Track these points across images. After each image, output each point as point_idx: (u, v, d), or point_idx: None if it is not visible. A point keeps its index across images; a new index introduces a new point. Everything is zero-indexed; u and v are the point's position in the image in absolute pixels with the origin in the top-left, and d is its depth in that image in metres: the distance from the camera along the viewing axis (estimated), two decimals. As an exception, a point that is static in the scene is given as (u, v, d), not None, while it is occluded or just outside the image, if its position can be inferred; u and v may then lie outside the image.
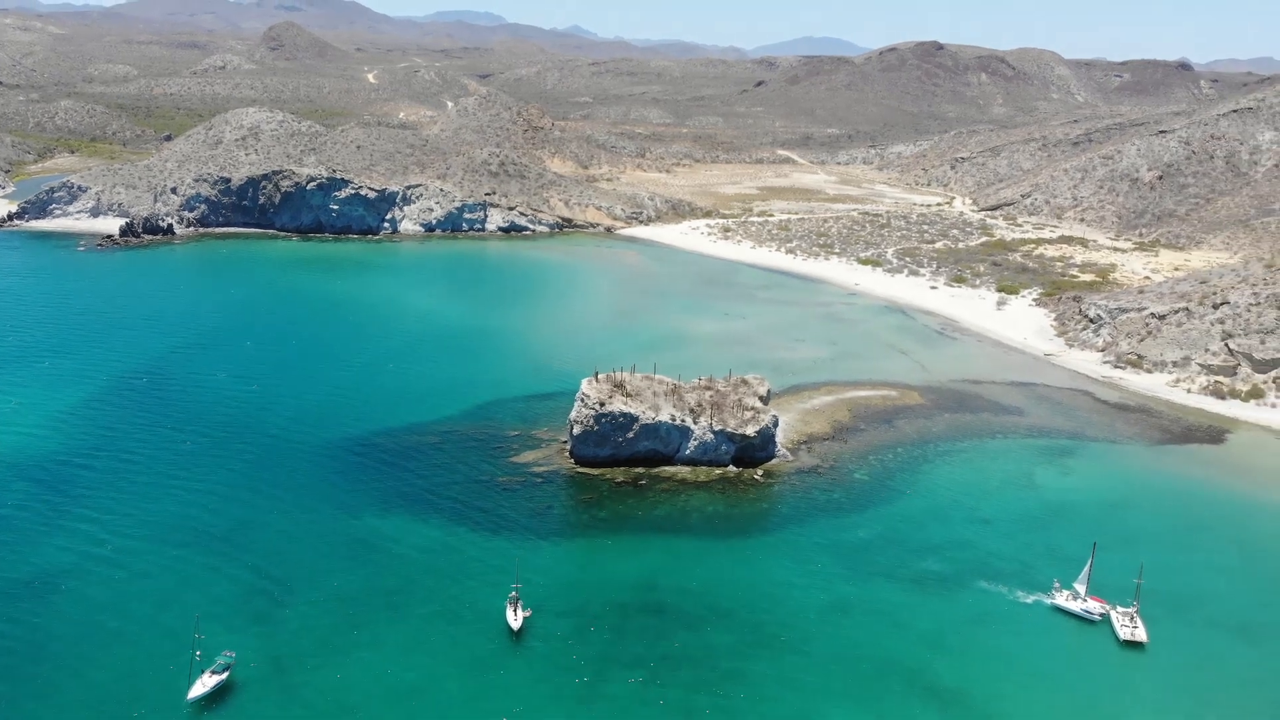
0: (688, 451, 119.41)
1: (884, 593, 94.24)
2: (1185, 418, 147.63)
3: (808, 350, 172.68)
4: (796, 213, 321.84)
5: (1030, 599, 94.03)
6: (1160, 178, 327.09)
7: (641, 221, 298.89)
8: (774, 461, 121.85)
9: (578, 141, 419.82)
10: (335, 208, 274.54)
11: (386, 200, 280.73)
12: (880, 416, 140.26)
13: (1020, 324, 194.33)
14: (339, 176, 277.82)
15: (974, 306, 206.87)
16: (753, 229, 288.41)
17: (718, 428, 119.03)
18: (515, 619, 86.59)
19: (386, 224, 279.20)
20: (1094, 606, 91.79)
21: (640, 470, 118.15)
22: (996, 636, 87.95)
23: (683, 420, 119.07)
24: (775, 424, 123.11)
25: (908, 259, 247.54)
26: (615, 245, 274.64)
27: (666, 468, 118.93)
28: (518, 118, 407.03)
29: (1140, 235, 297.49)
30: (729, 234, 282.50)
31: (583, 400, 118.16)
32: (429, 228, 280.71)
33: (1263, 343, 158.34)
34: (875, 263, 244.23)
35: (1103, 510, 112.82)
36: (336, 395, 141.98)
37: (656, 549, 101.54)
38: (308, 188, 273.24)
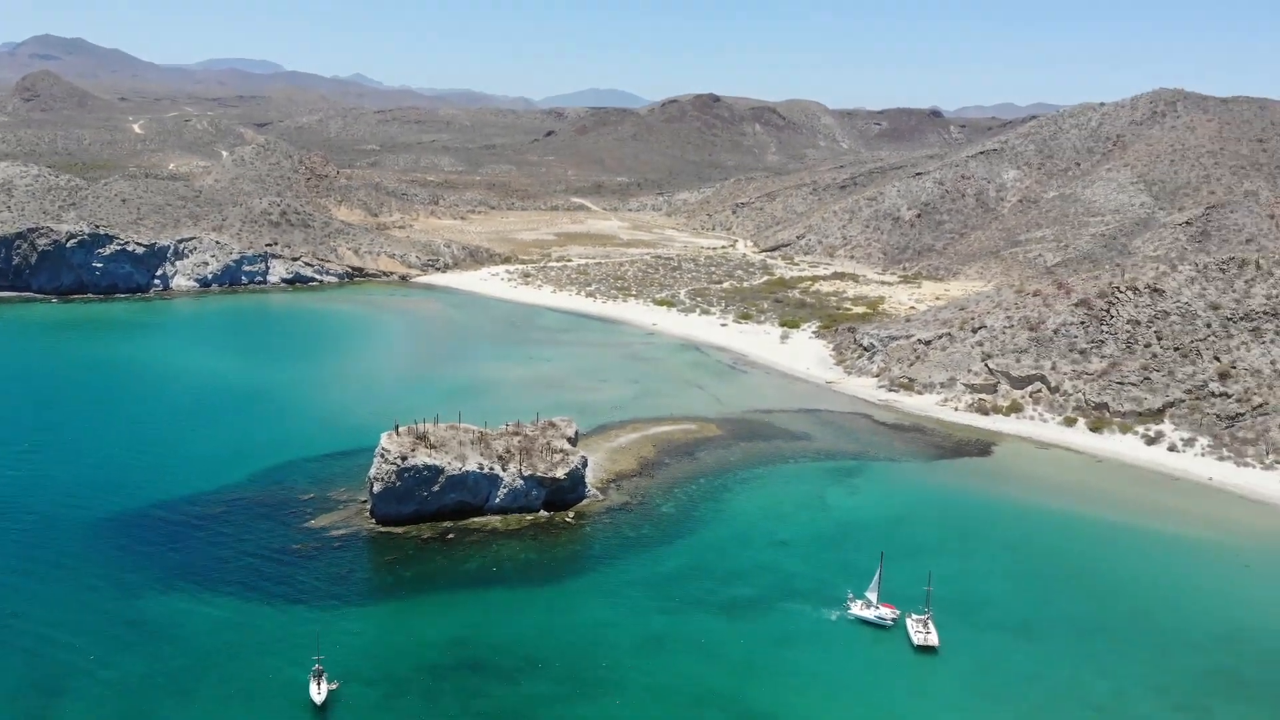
0: (498, 500, 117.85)
1: (695, 622, 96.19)
2: (955, 434, 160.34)
3: (612, 390, 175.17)
4: (594, 257, 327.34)
5: (832, 615, 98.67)
6: (919, 216, 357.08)
7: (438, 269, 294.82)
8: (585, 502, 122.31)
9: (366, 189, 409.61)
10: (99, 265, 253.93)
11: (157, 255, 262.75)
12: (682, 450, 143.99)
13: (803, 355, 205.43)
14: (103, 232, 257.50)
15: (761, 341, 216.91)
16: (552, 274, 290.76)
17: (527, 473, 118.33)
18: (319, 693, 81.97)
19: (157, 281, 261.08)
20: (886, 613, 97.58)
21: (448, 524, 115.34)
22: (802, 654, 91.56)
23: (491, 468, 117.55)
24: (584, 465, 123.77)
25: (699, 299, 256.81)
26: (412, 294, 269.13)
27: (476, 519, 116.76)
28: (300, 166, 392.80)
29: (904, 269, 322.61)
30: (529, 279, 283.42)
31: (383, 455, 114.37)
32: (205, 283, 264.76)
33: (1018, 361, 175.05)
34: (670, 303, 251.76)
35: (889, 524, 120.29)
36: (110, 467, 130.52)
37: (468, 604, 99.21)
38: (68, 245, 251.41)
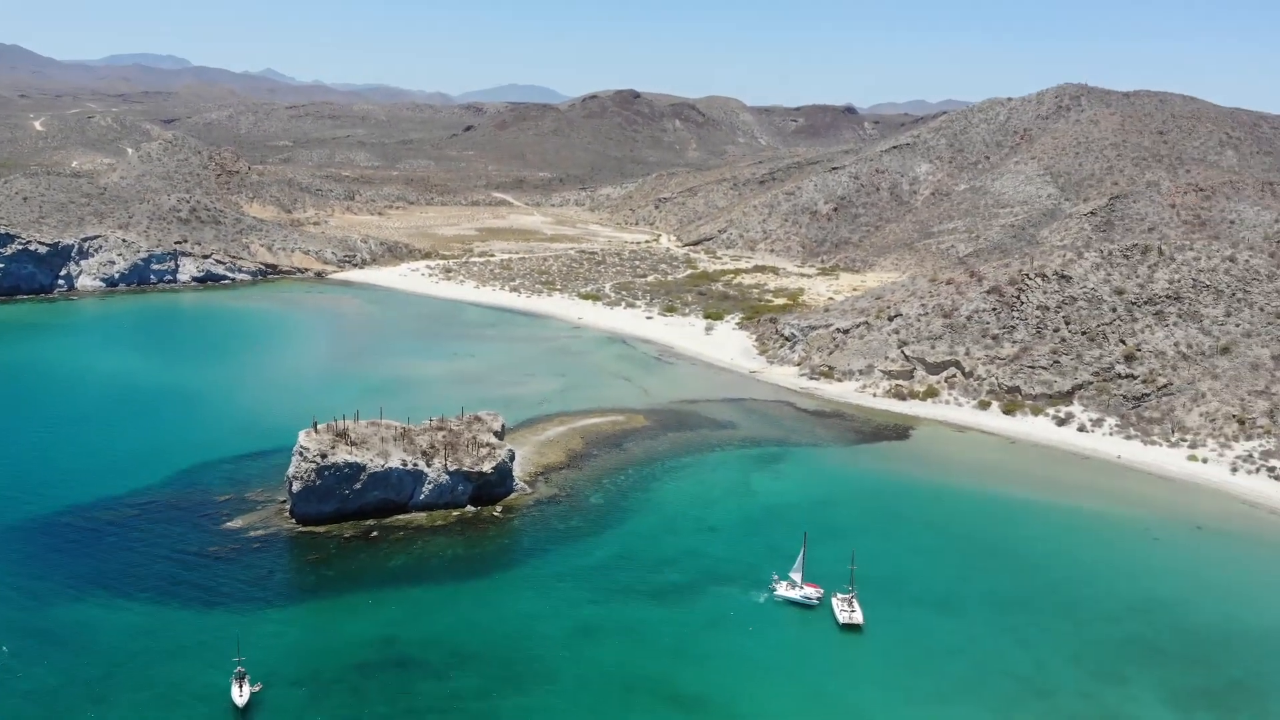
0: (423, 496, 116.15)
1: (626, 610, 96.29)
2: (874, 419, 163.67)
3: (539, 384, 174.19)
4: (517, 252, 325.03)
5: (760, 597, 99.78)
6: (836, 209, 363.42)
7: (356, 265, 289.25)
8: (513, 496, 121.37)
9: (279, 185, 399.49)
10: (0, 266, 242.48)
11: (60, 255, 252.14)
12: (611, 441, 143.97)
13: (727, 346, 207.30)
14: (4, 231, 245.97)
15: (686, 333, 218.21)
16: (475, 269, 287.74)
17: (453, 468, 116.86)
18: (241, 696, 79.75)
19: (62, 281, 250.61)
20: (810, 592, 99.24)
21: (371, 522, 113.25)
22: (731, 637, 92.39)
23: (415, 464, 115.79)
24: (512, 458, 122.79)
25: (624, 292, 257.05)
26: (328, 290, 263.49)
27: (400, 516, 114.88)
28: (209, 162, 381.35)
29: (822, 262, 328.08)
30: (451, 274, 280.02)
31: (301, 454, 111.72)
32: (112, 282, 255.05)
33: (933, 347, 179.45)
34: (595, 297, 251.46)
35: (813, 507, 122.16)
36: (16, 472, 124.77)
37: (394, 601, 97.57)
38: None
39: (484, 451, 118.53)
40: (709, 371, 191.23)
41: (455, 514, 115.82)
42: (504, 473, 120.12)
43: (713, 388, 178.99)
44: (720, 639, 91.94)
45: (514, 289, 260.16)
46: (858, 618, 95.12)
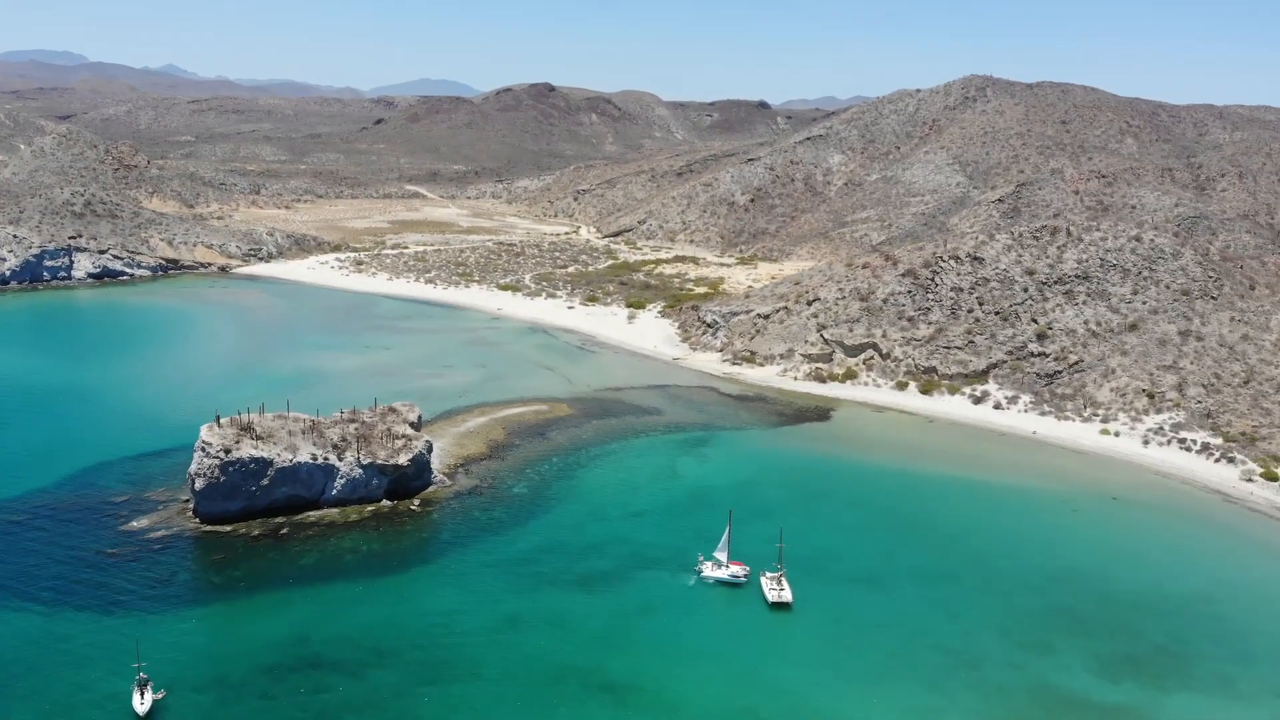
0: (335, 491, 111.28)
1: (551, 600, 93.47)
2: (796, 401, 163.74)
3: (458, 375, 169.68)
4: (432, 244, 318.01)
5: (689, 580, 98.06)
6: (752, 200, 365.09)
7: (261, 259, 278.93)
8: (431, 489, 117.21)
9: (180, 179, 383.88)
10: None
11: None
12: (534, 430, 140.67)
13: (649, 334, 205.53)
14: None
15: (608, 322, 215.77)
16: (388, 261, 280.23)
17: (366, 461, 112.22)
18: (142, 703, 74.66)
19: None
20: (737, 570, 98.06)
21: (281, 520, 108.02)
22: (660, 621, 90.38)
23: (326, 458, 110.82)
24: (429, 450, 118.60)
25: (545, 283, 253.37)
26: (232, 285, 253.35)
27: (312, 512, 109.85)
28: (106, 156, 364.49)
29: (741, 251, 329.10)
30: (362, 267, 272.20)
31: (204, 449, 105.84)
32: (3, 280, 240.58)
33: (851, 330, 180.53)
34: (515, 288, 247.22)
35: (738, 488, 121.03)
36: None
37: (305, 600, 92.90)
38: None
39: (399, 444, 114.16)
40: (632, 359, 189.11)
41: (370, 509, 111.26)
42: (421, 465, 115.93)
43: (636, 375, 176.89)
44: (649, 624, 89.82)
45: (429, 281, 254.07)
46: (787, 596, 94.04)
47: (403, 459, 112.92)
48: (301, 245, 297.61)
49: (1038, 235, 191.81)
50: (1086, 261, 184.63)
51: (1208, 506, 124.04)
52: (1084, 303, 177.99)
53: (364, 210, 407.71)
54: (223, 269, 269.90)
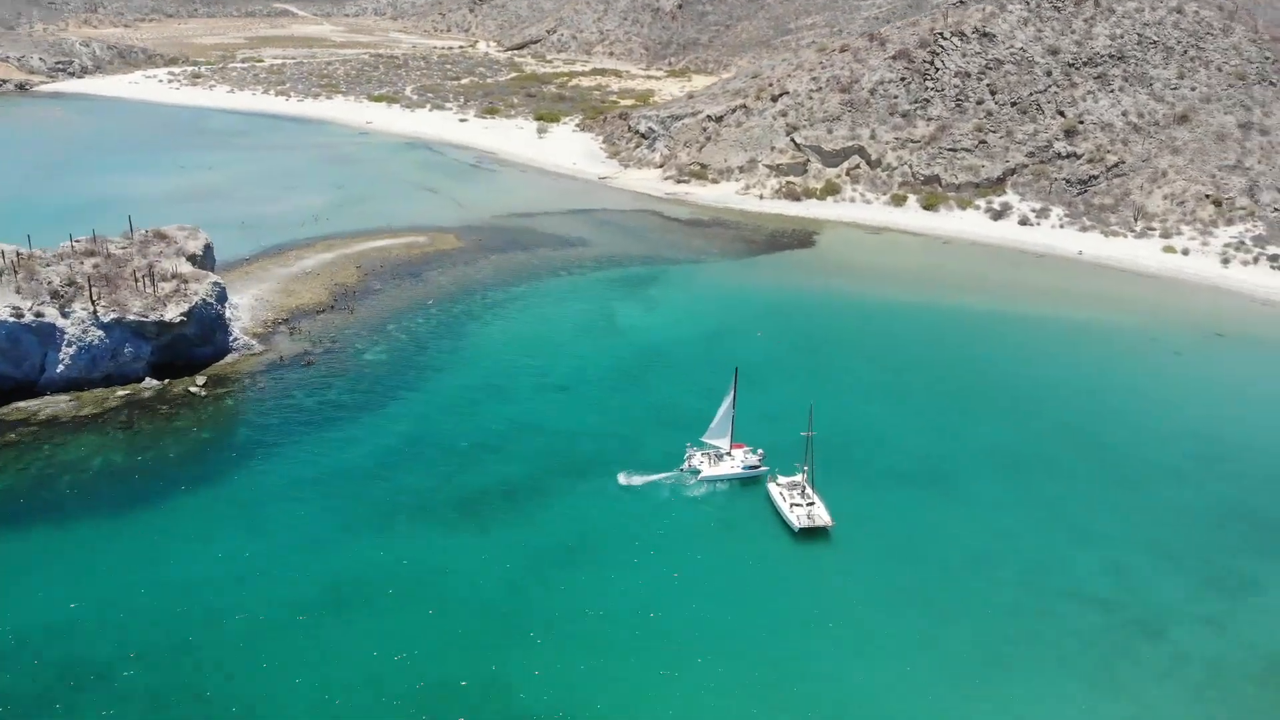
0: (61, 368, 68.18)
1: (419, 545, 53.80)
2: (765, 225, 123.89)
3: (303, 199, 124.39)
4: (295, 58, 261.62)
5: (664, 482, 59.45)
6: (680, 7, 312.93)
7: (73, 74, 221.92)
8: (230, 359, 74.74)
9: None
10: None
11: None
12: (404, 269, 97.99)
13: (567, 150, 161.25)
14: None
15: (512, 136, 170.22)
16: (234, 75, 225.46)
17: (110, 317, 68.71)
18: None
19: None
20: (749, 458, 60.87)
21: (-24, 414, 64.88)
22: (611, 581, 51.72)
23: (38, 312, 66.94)
24: (222, 299, 75.51)
25: (430, 94, 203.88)
26: (25, 103, 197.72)
27: (22, 402, 66.80)
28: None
29: (670, 64, 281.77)
30: (200, 80, 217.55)
31: None
32: None
33: (830, 132, 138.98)
34: (392, 99, 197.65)
35: (704, 343, 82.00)
36: None
37: (-12, 557, 51.55)
38: None
39: (167, 288, 70.62)
40: (545, 179, 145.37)
41: (123, 394, 68.50)
42: (208, 322, 72.84)
43: (552, 198, 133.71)
44: (590, 588, 50.91)
45: (282, 93, 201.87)
46: (823, 516, 55.90)
47: (172, 313, 69.61)
48: (126, 59, 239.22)
49: (1059, 6, 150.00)
50: (1121, 38, 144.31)
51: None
52: (1120, 89, 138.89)
53: (219, 28, 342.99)
54: (21, 86, 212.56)
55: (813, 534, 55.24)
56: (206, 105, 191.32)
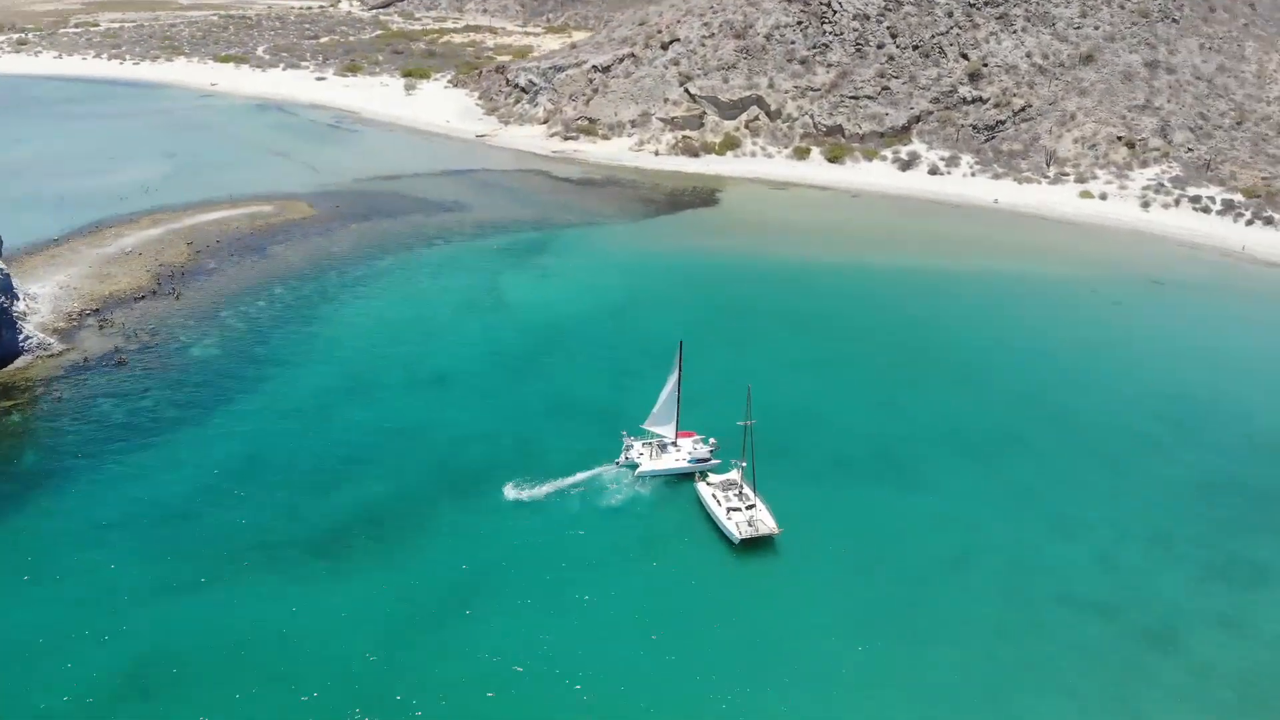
0: None
1: (266, 594, 41.40)
2: (662, 183, 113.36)
3: (130, 171, 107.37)
4: (135, 21, 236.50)
5: (571, 488, 48.19)
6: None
7: None
8: (20, 363, 59.82)
9: None
10: None
11: None
12: (245, 244, 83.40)
13: (439, 107, 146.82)
14: None
15: (377, 94, 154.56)
16: (64, 40, 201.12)
17: None
18: None
19: None
20: (697, 449, 50.98)
21: None
22: (510, 628, 40.26)
23: None
24: (7, 289, 60.30)
25: (284, 54, 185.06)
26: None
27: None
28: None
29: (549, 20, 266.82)
30: (24, 47, 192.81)
31: None
32: None
33: (726, 81, 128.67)
34: (241, 59, 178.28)
35: (611, 317, 71.31)
36: None
37: None
38: None
39: (-80, 277, 55.20)
40: (415, 139, 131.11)
41: None
42: (-15, 317, 57.77)
43: (423, 159, 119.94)
44: (481, 634, 39.49)
45: (116, 57, 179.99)
46: (765, 521, 45.67)
47: (-73, 310, 54.31)
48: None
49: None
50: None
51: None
52: (1023, 29, 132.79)
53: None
54: None
55: (756, 544, 45.11)
56: (28, 73, 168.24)
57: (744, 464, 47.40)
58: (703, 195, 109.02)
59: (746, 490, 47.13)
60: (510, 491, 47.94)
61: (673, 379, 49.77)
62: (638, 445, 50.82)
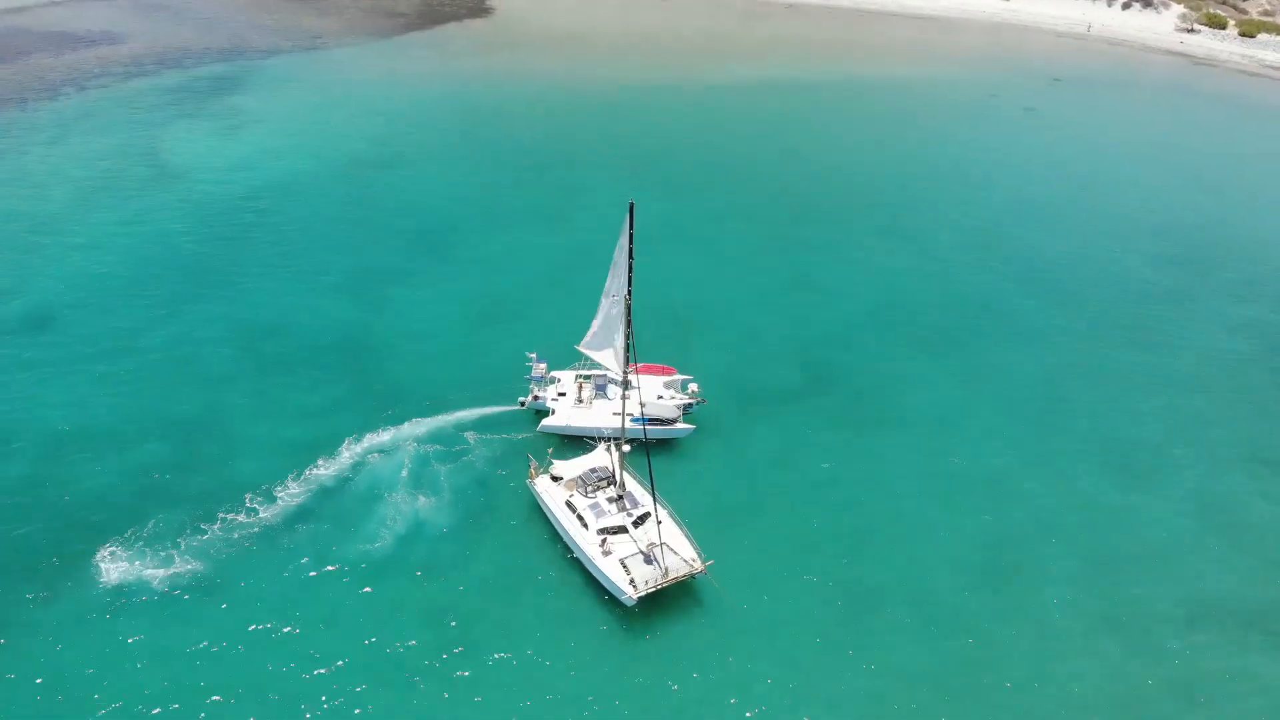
0: None
1: None
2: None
3: None
4: None
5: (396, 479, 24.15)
6: None
7: None
8: None
9: None
10: None
11: None
12: None
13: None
14: None
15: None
16: None
17: None
18: None
19: None
20: (672, 402, 27.79)
21: None
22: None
23: None
24: None
25: None
26: None
27: None
28: None
29: None
30: None
31: None
32: None
33: None
34: None
35: (341, 175, 45.29)
36: None
37: None
38: None
39: None
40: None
41: None
42: None
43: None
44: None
45: None
46: (683, 553, 22.79)
47: None
48: None
49: None
50: None
51: (1182, 74, 70.72)
52: None
53: None
54: None
55: (659, 600, 22.48)
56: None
57: (626, 446, 24.29)
58: (468, 2, 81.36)
59: (637, 490, 24.27)
60: (113, 563, 22.65)
61: (620, 265, 23.32)
62: (567, 378, 26.83)
